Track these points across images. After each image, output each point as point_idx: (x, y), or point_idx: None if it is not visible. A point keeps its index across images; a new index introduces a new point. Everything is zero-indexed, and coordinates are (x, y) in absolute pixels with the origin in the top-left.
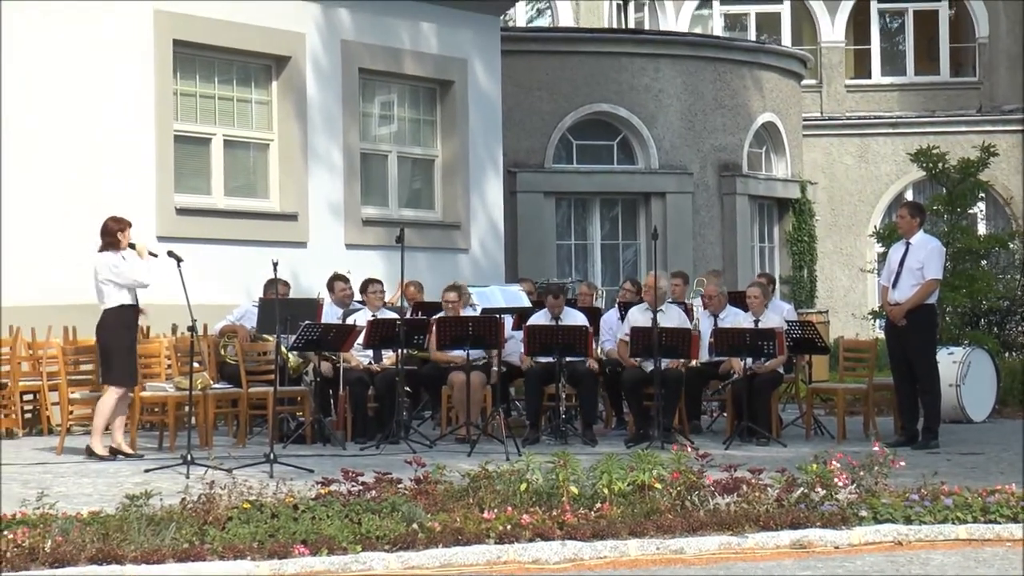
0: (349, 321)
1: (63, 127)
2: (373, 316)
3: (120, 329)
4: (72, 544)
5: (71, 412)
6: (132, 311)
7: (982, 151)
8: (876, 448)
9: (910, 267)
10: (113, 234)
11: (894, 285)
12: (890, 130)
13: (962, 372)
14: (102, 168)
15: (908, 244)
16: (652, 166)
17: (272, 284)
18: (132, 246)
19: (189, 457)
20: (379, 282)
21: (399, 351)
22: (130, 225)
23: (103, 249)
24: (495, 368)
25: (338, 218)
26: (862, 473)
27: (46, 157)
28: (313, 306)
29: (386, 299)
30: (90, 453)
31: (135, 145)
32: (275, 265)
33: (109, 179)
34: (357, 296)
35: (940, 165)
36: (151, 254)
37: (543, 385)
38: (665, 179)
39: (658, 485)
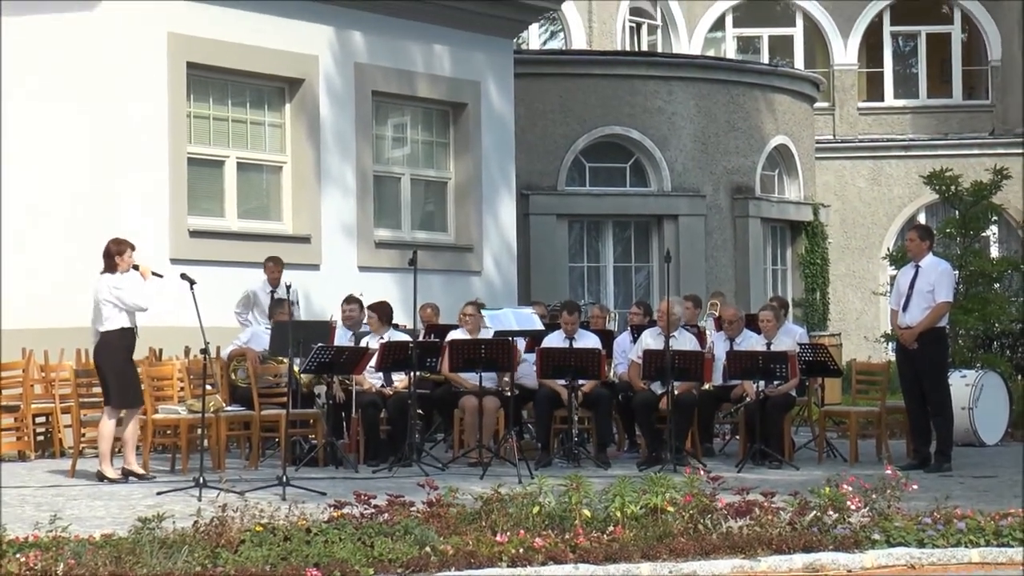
0: (361, 343)
1: (76, 149)
2: (383, 338)
3: (119, 351)
4: (84, 567)
5: (83, 435)
6: (130, 334)
7: (995, 174)
8: (888, 471)
9: (920, 290)
10: (111, 256)
11: (904, 308)
12: (903, 153)
13: (974, 395)
14: (115, 190)
15: (918, 267)
16: (665, 188)
17: (278, 304)
18: (136, 267)
19: (201, 480)
20: (372, 308)
21: (411, 373)
22: (132, 247)
23: (104, 271)
24: (507, 392)
25: (351, 240)
26: (875, 496)
27: (59, 179)
28: (326, 328)
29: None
30: (101, 477)
31: (149, 167)
32: (288, 287)
33: (123, 201)
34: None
35: (953, 188)
36: (155, 274)
37: (553, 408)
38: (678, 201)
39: (670, 508)
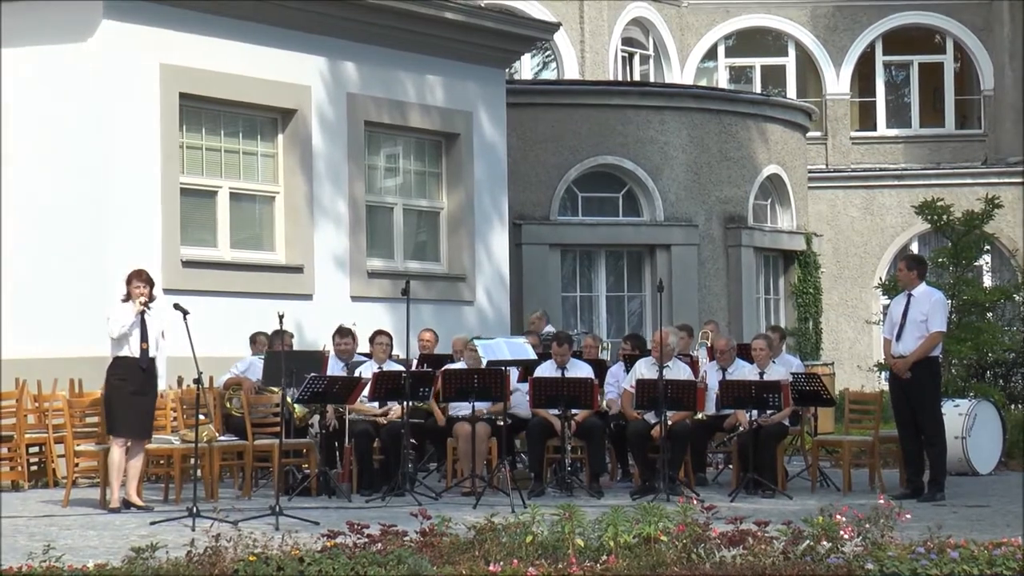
0: (355, 373)
1: (69, 180)
2: (379, 368)
3: (113, 380)
4: None
5: (77, 465)
6: (125, 363)
7: (986, 203)
8: (882, 500)
9: (913, 319)
10: (126, 286)
11: (898, 338)
12: (895, 182)
13: (968, 424)
14: (108, 221)
15: (910, 296)
16: (657, 218)
17: (277, 335)
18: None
19: (195, 510)
20: (387, 334)
21: (404, 403)
22: (140, 279)
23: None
24: (499, 421)
25: (344, 270)
26: (868, 526)
27: (52, 209)
28: (319, 358)
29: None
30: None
31: (141, 198)
32: (281, 317)
33: (115, 232)
34: (363, 348)
35: (944, 217)
36: (144, 306)
37: (546, 438)
38: (670, 231)
39: (664, 538)
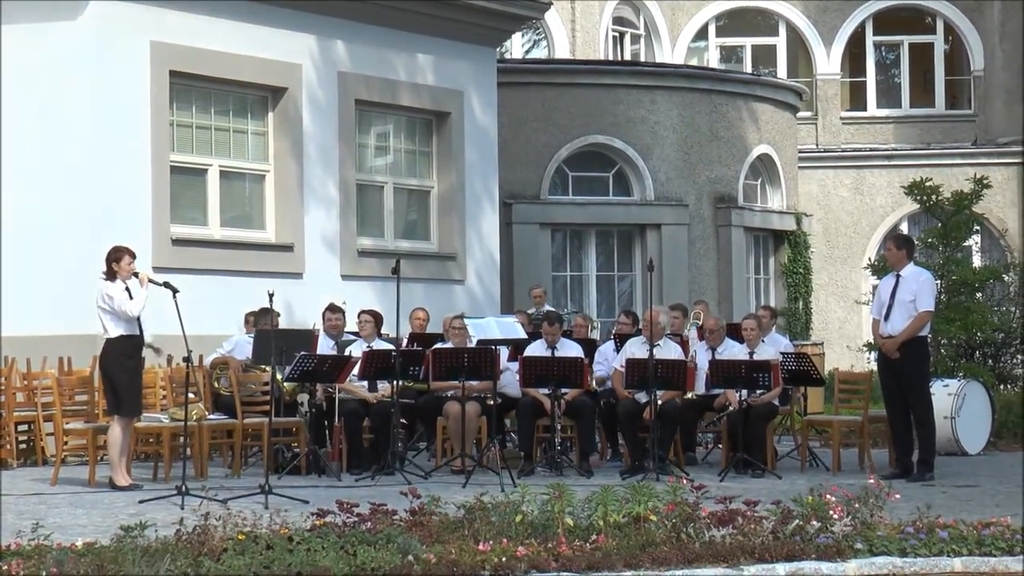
0: (345, 352)
1: (59, 157)
2: (368, 347)
3: (122, 359)
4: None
5: (66, 443)
6: (133, 341)
7: (975, 183)
8: (871, 480)
9: (901, 299)
10: (108, 263)
11: (886, 317)
12: (885, 162)
13: (957, 404)
14: (98, 198)
15: (899, 276)
16: (648, 198)
17: (264, 313)
18: (136, 275)
19: (184, 488)
20: (369, 313)
21: (394, 383)
22: (127, 253)
23: (105, 278)
24: (491, 401)
25: (334, 249)
26: (857, 505)
27: (42, 187)
28: (309, 337)
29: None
30: (114, 486)
31: (131, 176)
32: (271, 296)
33: (105, 209)
34: (351, 327)
35: (933, 198)
36: (152, 282)
37: (536, 417)
38: (661, 211)
39: (653, 517)
